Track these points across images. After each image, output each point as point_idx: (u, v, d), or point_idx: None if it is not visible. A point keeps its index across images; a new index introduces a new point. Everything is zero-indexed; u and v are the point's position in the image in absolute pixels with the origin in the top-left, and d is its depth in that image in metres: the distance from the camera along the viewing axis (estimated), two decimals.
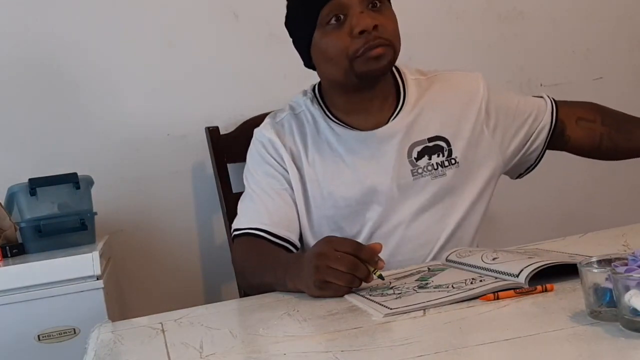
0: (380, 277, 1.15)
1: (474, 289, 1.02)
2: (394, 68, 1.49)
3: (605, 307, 0.83)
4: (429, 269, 1.26)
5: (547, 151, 1.57)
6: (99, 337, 1.10)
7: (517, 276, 1.04)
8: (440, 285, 1.10)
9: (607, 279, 0.83)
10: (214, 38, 2.09)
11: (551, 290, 1.00)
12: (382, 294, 1.11)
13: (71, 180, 1.77)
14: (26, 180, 1.75)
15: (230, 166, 1.97)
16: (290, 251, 1.45)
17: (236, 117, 2.04)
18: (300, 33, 1.44)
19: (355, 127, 1.47)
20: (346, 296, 1.13)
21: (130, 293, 2.03)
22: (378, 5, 1.38)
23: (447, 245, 1.46)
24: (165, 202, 2.06)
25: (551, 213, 2.31)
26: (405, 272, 1.26)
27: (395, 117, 1.47)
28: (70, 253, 1.58)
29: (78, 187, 1.77)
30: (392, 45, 1.38)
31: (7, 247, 1.70)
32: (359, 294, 1.12)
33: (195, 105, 2.07)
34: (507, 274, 1.06)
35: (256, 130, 1.55)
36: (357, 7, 1.35)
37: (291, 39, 1.49)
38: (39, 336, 1.49)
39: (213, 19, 2.08)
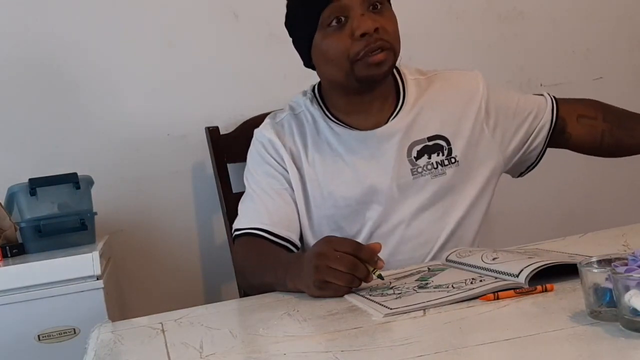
0: (380, 277, 1.15)
1: (474, 289, 1.02)
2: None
3: (605, 307, 0.83)
4: (429, 269, 1.26)
5: (548, 150, 1.57)
6: (99, 337, 1.10)
7: (517, 276, 1.04)
8: (440, 285, 1.10)
9: (607, 279, 0.83)
10: (214, 38, 2.09)
11: (551, 290, 1.00)
12: (382, 294, 1.11)
13: (71, 180, 1.77)
14: (26, 180, 1.75)
15: (230, 166, 1.97)
16: (291, 251, 1.45)
17: (236, 117, 2.04)
18: (301, 34, 1.44)
19: (355, 127, 1.47)
20: (346, 296, 1.13)
21: (130, 293, 2.03)
22: (379, 7, 1.38)
23: (447, 244, 1.46)
24: (165, 202, 2.06)
25: (551, 213, 2.31)
26: (405, 272, 1.26)
27: (394, 116, 1.47)
28: (70, 253, 1.58)
29: (78, 187, 1.77)
30: (393, 48, 1.39)
31: (7, 247, 1.70)
32: (359, 294, 1.12)
33: (195, 105, 2.07)
34: (507, 274, 1.06)
35: (256, 131, 1.55)
36: (358, 9, 1.35)
37: (291, 39, 1.49)
38: (39, 336, 1.49)
39: (213, 19, 2.08)
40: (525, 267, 1.04)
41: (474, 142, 1.49)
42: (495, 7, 2.27)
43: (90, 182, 1.84)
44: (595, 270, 0.85)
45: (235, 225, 1.49)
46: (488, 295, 1.00)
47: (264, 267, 1.36)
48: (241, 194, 1.56)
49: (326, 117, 1.49)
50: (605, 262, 0.87)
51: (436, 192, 1.46)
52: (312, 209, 1.48)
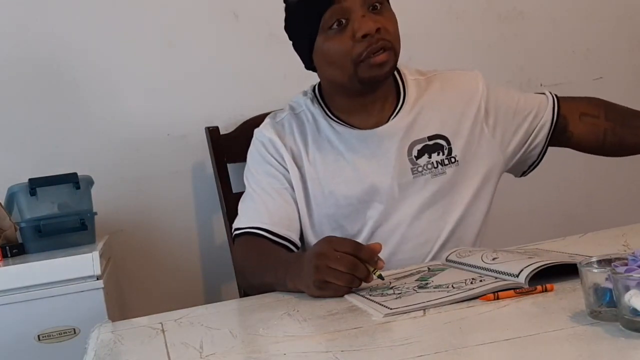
0: (380, 277, 1.15)
1: (474, 289, 1.02)
2: None
3: (605, 307, 0.83)
4: (429, 269, 1.26)
5: (548, 150, 1.56)
6: (99, 337, 1.10)
7: (517, 276, 1.04)
8: (440, 285, 1.10)
9: (607, 279, 0.83)
10: (214, 38, 2.09)
11: (551, 290, 1.00)
12: (382, 294, 1.11)
13: (71, 180, 1.77)
14: (26, 180, 1.75)
15: (230, 166, 1.97)
16: (291, 250, 1.45)
17: (236, 117, 2.04)
18: (302, 38, 1.44)
19: (356, 126, 1.48)
20: (346, 296, 1.13)
21: (130, 293, 2.03)
22: (379, 7, 1.38)
23: (447, 243, 1.46)
24: (165, 202, 2.06)
25: (551, 213, 2.31)
26: (405, 272, 1.26)
27: (395, 116, 1.47)
28: (70, 253, 1.58)
29: (78, 187, 1.77)
30: (394, 48, 1.39)
31: (7, 247, 1.70)
32: (359, 294, 1.12)
33: (195, 105, 2.07)
34: (507, 274, 1.06)
35: (256, 131, 1.55)
36: (358, 10, 1.36)
37: (291, 42, 1.49)
38: (39, 336, 1.49)
39: (213, 19, 2.08)
40: (525, 267, 1.04)
41: (474, 141, 1.49)
42: (495, 7, 2.27)
43: (90, 182, 1.84)
44: (595, 270, 0.85)
45: (235, 224, 1.49)
46: (488, 295, 1.00)
47: (264, 267, 1.36)
48: (241, 194, 1.56)
49: (327, 117, 1.50)
50: (605, 262, 0.87)
51: (436, 192, 1.46)
52: (312, 208, 1.48)
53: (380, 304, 1.04)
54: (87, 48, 2.01)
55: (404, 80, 1.51)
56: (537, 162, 1.58)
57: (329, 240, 1.18)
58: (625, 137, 1.53)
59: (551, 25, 2.32)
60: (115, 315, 1.58)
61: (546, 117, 1.53)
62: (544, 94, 1.56)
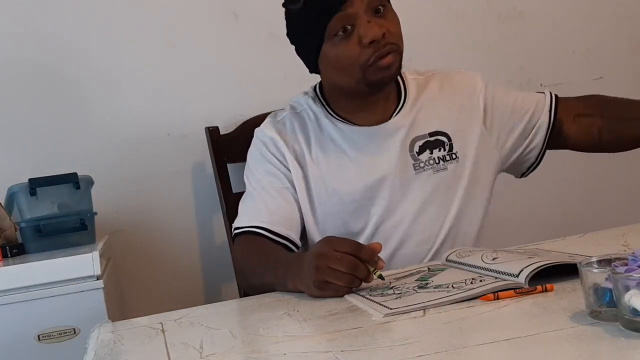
0: (380, 277, 1.14)
1: (474, 289, 1.02)
2: None
3: (605, 307, 0.83)
4: (429, 269, 1.26)
5: (548, 150, 1.56)
6: (99, 337, 1.10)
7: (517, 276, 1.04)
8: (440, 285, 1.10)
9: (607, 279, 0.83)
10: (214, 38, 2.09)
11: (551, 290, 1.00)
12: (382, 294, 1.11)
13: (71, 180, 1.77)
14: (26, 180, 1.75)
15: (230, 166, 1.97)
16: (291, 250, 1.45)
17: (236, 117, 2.04)
18: (307, 45, 1.45)
19: (358, 124, 1.49)
20: (346, 296, 1.13)
21: (130, 293, 2.03)
22: (382, 10, 1.39)
23: (448, 239, 1.48)
24: (165, 202, 2.06)
25: (551, 213, 2.31)
26: (405, 272, 1.26)
27: (397, 113, 1.49)
28: (70, 253, 1.58)
29: (78, 187, 1.77)
30: (399, 49, 1.41)
31: (7, 247, 1.70)
32: (359, 294, 1.12)
33: (195, 105, 2.07)
34: (507, 274, 1.06)
35: (257, 130, 1.55)
36: (363, 16, 1.36)
37: (294, 47, 1.49)
38: (39, 336, 1.49)
39: (213, 19, 2.08)
40: (525, 267, 1.04)
41: (472, 139, 1.50)
42: (495, 7, 2.27)
43: (90, 182, 1.84)
44: (595, 270, 0.85)
45: (235, 224, 1.49)
46: (488, 295, 1.00)
47: (264, 267, 1.36)
48: (241, 194, 1.56)
49: (329, 115, 1.50)
50: (605, 262, 0.87)
51: (438, 187, 1.48)
52: (316, 206, 1.48)
53: (380, 304, 1.04)
54: (87, 48, 2.01)
55: (404, 79, 1.53)
56: (535, 163, 1.57)
57: (329, 241, 1.18)
58: (622, 132, 1.49)
59: (551, 25, 2.32)
60: (115, 315, 1.58)
61: (543, 119, 1.52)
62: (543, 93, 1.56)
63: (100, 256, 1.56)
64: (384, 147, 1.47)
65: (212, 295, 2.10)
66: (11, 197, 1.77)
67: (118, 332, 1.13)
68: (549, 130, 1.52)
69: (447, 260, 1.28)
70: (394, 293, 1.10)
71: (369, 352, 0.85)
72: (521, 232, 2.17)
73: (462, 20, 2.25)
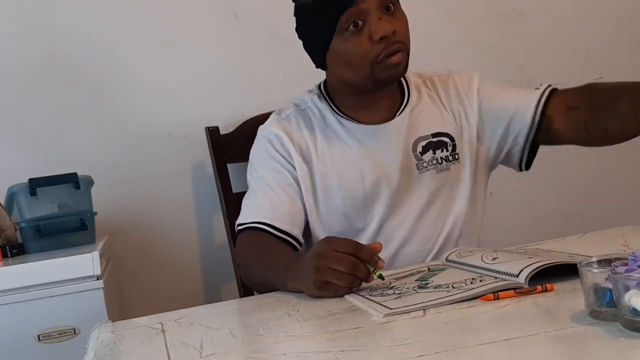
0: (380, 276, 1.15)
1: (474, 289, 1.03)
2: None
3: (605, 307, 0.83)
4: (429, 269, 1.26)
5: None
6: (99, 337, 1.10)
7: (517, 276, 1.04)
8: (440, 285, 1.10)
9: (607, 279, 0.83)
10: (214, 38, 2.09)
11: (551, 290, 1.00)
12: (382, 294, 1.11)
13: (71, 180, 1.77)
14: (26, 180, 1.75)
15: (230, 166, 1.97)
16: (293, 246, 1.45)
17: (236, 117, 2.04)
18: (317, 39, 1.45)
19: (363, 122, 1.50)
20: (346, 296, 1.13)
21: (130, 293, 2.03)
22: (392, 8, 1.40)
23: (450, 238, 1.48)
24: (165, 202, 2.06)
25: (551, 213, 2.31)
26: (405, 272, 1.26)
27: (401, 112, 1.50)
28: (70, 253, 1.58)
29: (78, 187, 1.77)
30: (407, 49, 1.42)
31: (7, 247, 1.70)
32: (359, 294, 1.12)
33: (195, 105, 2.07)
34: (507, 274, 1.06)
35: (261, 128, 1.56)
36: (375, 13, 1.37)
37: (301, 42, 1.49)
38: (39, 336, 1.49)
39: (213, 19, 2.08)
40: (525, 267, 1.04)
41: (471, 139, 1.51)
42: (495, 7, 2.27)
43: (90, 182, 1.84)
44: (595, 270, 0.85)
45: (239, 220, 1.49)
46: (488, 295, 1.00)
47: (265, 265, 1.37)
48: (241, 194, 1.56)
49: (334, 112, 1.51)
50: (605, 262, 0.87)
51: (441, 187, 1.49)
52: (320, 202, 1.49)
53: (380, 304, 1.04)
54: (87, 48, 2.01)
55: (407, 80, 1.54)
56: (525, 160, 1.52)
57: (328, 241, 1.18)
58: (608, 124, 1.36)
59: (551, 25, 2.32)
60: (115, 315, 1.58)
61: (526, 117, 1.46)
62: (538, 89, 1.50)
63: (100, 256, 1.56)
64: (388, 145, 1.48)
65: (212, 295, 2.10)
66: (11, 197, 1.77)
67: (118, 332, 1.13)
68: (532, 128, 1.47)
69: (447, 260, 1.28)
70: (394, 293, 1.10)
71: (369, 352, 0.85)
72: (521, 232, 2.17)
73: (462, 20, 2.25)
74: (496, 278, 1.06)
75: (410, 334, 0.90)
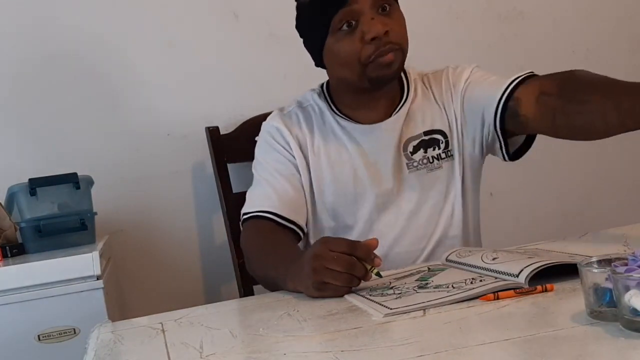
0: (378, 274, 1.14)
1: (474, 289, 1.02)
2: None
3: (605, 307, 0.83)
4: (429, 268, 1.26)
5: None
6: (99, 337, 1.10)
7: (517, 276, 1.04)
8: (440, 285, 1.10)
9: (607, 279, 0.83)
10: (214, 38, 2.09)
11: (551, 290, 1.00)
12: (382, 294, 1.11)
13: (71, 180, 1.77)
14: (26, 180, 1.75)
15: (230, 166, 1.97)
16: (298, 235, 1.47)
17: (236, 117, 2.04)
18: (312, 38, 1.46)
19: (360, 121, 1.51)
20: (346, 296, 1.13)
21: (130, 293, 2.03)
22: (387, 8, 1.40)
23: (443, 239, 1.48)
24: (165, 202, 2.06)
25: (551, 213, 2.31)
26: (405, 272, 1.26)
27: (397, 112, 1.50)
28: (70, 253, 1.58)
29: (78, 187, 1.77)
30: (402, 48, 1.41)
31: (7, 247, 1.70)
32: (359, 294, 1.12)
33: (195, 105, 2.07)
34: (507, 274, 1.06)
35: (264, 123, 1.58)
36: (368, 13, 1.38)
37: (302, 39, 1.50)
38: (39, 336, 1.49)
39: (213, 19, 2.09)
40: (525, 267, 1.04)
41: (458, 133, 1.50)
42: (495, 7, 2.27)
43: (90, 182, 1.84)
44: (595, 270, 0.85)
45: (243, 209, 1.50)
46: (488, 295, 1.00)
47: (267, 264, 1.37)
48: (241, 194, 1.57)
49: (332, 111, 1.53)
50: (605, 262, 0.87)
51: (432, 186, 1.49)
52: (314, 197, 1.50)
53: (380, 304, 1.04)
54: (87, 48, 2.01)
55: (409, 78, 1.54)
56: (503, 149, 1.45)
57: (324, 241, 1.18)
58: (575, 120, 1.26)
59: (551, 25, 2.32)
60: (115, 315, 1.58)
61: (494, 102, 1.41)
62: (520, 75, 1.42)
63: (100, 256, 1.56)
64: (381, 145, 1.48)
65: (212, 295, 2.10)
66: (11, 197, 1.77)
67: (118, 332, 1.13)
68: (497, 112, 1.40)
69: (447, 260, 1.28)
70: (394, 293, 1.10)
71: (369, 352, 0.85)
72: (521, 232, 2.17)
73: (462, 20, 2.25)
74: (496, 278, 1.06)
75: (410, 334, 0.90)
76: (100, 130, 2.02)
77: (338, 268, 1.12)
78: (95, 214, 1.82)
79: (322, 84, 1.58)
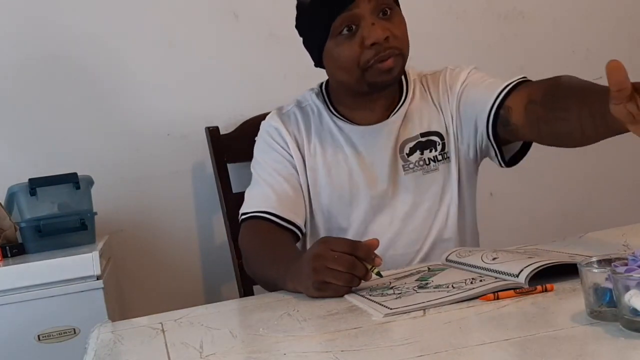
0: (379, 274, 1.15)
1: (474, 289, 1.02)
2: None
3: (605, 307, 0.83)
4: (429, 268, 1.26)
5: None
6: (99, 337, 1.10)
7: (517, 276, 1.04)
8: (440, 285, 1.10)
9: (607, 279, 0.83)
10: (214, 38, 2.09)
11: (551, 290, 1.00)
12: (382, 293, 1.11)
13: (71, 180, 1.77)
14: (26, 180, 1.75)
15: (230, 166, 1.97)
16: (296, 235, 1.47)
17: (236, 117, 2.04)
18: (312, 38, 1.46)
19: (357, 122, 1.50)
20: (346, 296, 1.13)
21: (130, 293, 2.03)
22: (388, 12, 1.39)
23: (439, 241, 1.48)
24: (165, 202, 2.06)
25: (551, 213, 2.31)
26: (405, 272, 1.26)
27: (395, 113, 1.49)
28: (70, 253, 1.58)
29: (78, 187, 1.77)
30: (402, 53, 1.41)
31: (7, 247, 1.70)
32: (359, 294, 1.12)
33: (195, 105, 2.07)
34: (507, 274, 1.06)
35: (263, 123, 1.58)
36: (368, 18, 1.37)
37: (302, 39, 1.50)
38: (39, 336, 1.49)
39: (213, 19, 2.09)
40: (525, 267, 1.04)
41: (455, 136, 1.49)
42: (495, 7, 2.27)
43: (90, 182, 1.84)
44: (595, 270, 0.85)
45: (242, 209, 1.50)
46: (488, 295, 1.00)
47: (265, 264, 1.37)
48: (241, 194, 1.56)
49: (330, 112, 1.52)
50: (605, 262, 0.87)
51: (428, 188, 1.48)
52: (311, 198, 1.50)
53: (380, 304, 1.04)
54: (87, 48, 2.01)
55: (408, 79, 1.53)
56: (498, 156, 1.44)
57: (325, 241, 1.18)
58: (557, 127, 1.24)
59: (551, 25, 2.32)
60: (115, 315, 1.58)
61: (485, 110, 1.40)
62: (510, 80, 1.42)
63: (100, 256, 1.56)
64: (377, 147, 1.48)
65: (212, 295, 2.10)
66: (11, 197, 1.77)
67: (118, 332, 1.13)
68: (489, 120, 1.39)
69: (447, 260, 1.28)
70: (394, 293, 1.10)
71: (369, 352, 0.85)
72: (521, 232, 2.17)
73: (462, 20, 2.25)
74: (496, 278, 1.06)
75: (410, 334, 0.90)
76: (100, 130, 2.02)
77: (339, 268, 1.12)
78: (95, 214, 1.82)
79: (322, 83, 1.58)
